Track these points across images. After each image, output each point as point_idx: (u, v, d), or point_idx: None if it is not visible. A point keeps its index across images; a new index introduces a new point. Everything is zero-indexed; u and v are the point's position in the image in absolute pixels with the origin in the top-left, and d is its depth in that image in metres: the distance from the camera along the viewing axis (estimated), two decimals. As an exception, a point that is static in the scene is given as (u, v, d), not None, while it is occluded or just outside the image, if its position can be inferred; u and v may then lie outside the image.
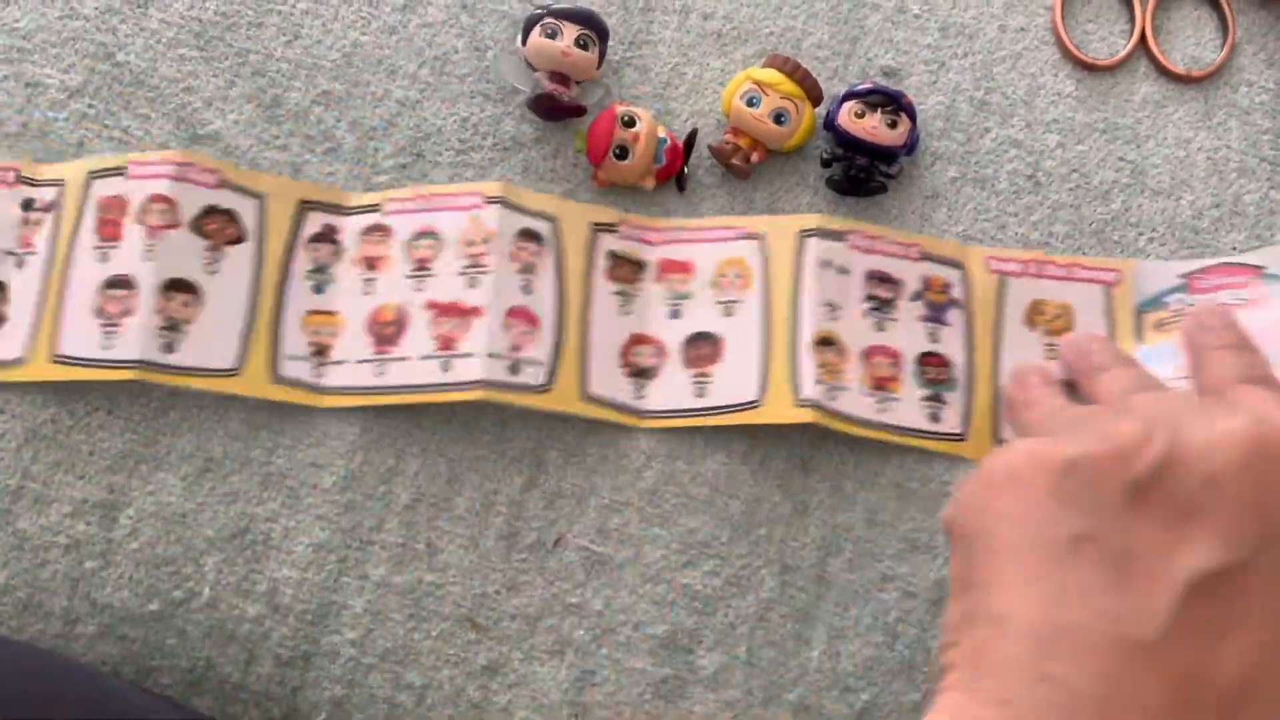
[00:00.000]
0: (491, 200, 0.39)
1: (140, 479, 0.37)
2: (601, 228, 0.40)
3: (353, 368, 0.38)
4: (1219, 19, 0.44)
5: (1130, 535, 0.23)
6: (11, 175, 0.40)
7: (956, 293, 0.41)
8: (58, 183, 0.40)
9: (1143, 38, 0.43)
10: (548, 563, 0.37)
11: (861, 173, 0.40)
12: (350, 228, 0.40)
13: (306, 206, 0.40)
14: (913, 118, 0.40)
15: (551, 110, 0.40)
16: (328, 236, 0.40)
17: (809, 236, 0.40)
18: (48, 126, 0.40)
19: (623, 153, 0.39)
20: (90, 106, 0.41)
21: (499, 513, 0.37)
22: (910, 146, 0.41)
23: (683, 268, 0.40)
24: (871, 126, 0.40)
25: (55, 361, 0.37)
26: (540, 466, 0.38)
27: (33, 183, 0.40)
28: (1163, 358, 0.38)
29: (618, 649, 0.37)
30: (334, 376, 0.38)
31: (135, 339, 0.37)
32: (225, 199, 0.39)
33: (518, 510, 0.37)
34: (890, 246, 0.41)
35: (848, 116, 0.40)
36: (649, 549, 0.37)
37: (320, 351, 0.39)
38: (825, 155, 0.41)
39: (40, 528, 0.36)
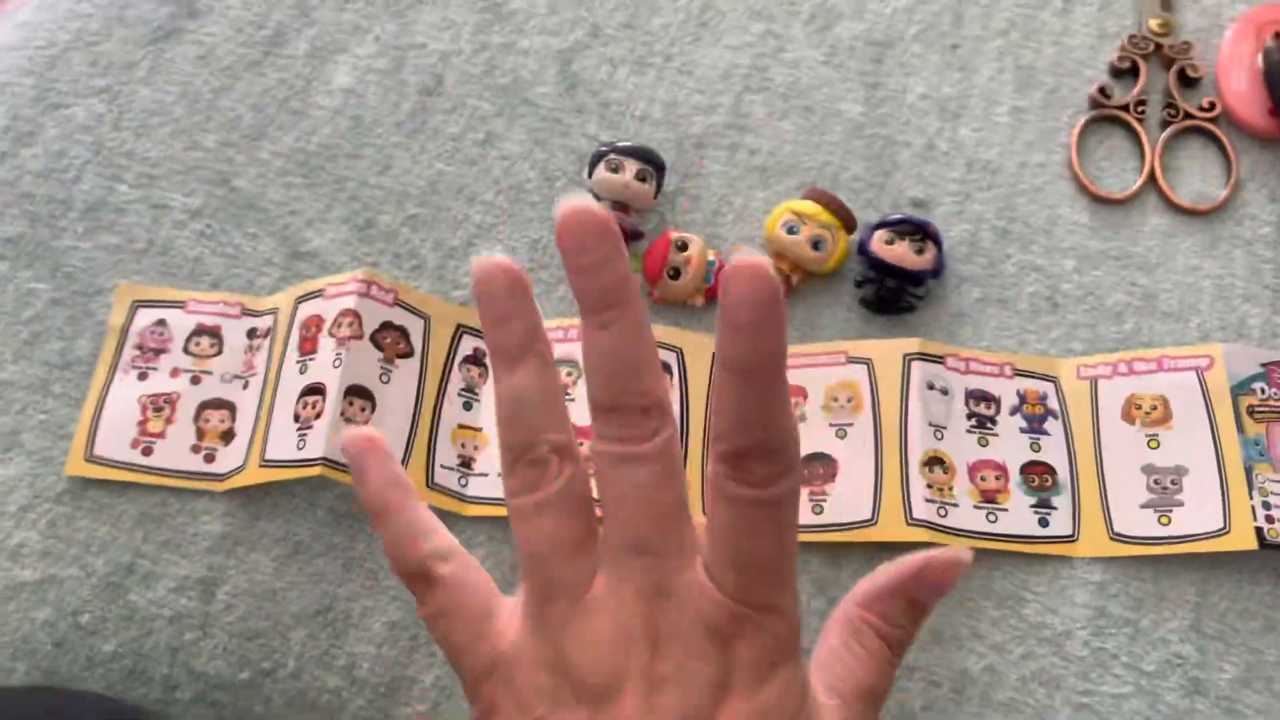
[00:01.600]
0: None
1: (236, 559, 0.41)
2: None
3: (494, 480, 0.42)
4: (1223, 158, 0.48)
5: None
6: (238, 309, 0.45)
7: (1052, 403, 0.43)
8: (273, 310, 0.45)
9: (1152, 174, 0.48)
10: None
11: (891, 294, 0.45)
12: None
13: (463, 329, 0.44)
14: (939, 244, 0.45)
15: None
16: (477, 359, 0.44)
17: (913, 360, 0.43)
18: (170, 244, 0.46)
19: (675, 274, 0.44)
20: (207, 226, 0.46)
21: (557, 598, 0.41)
22: (937, 270, 0.45)
23: (797, 392, 0.43)
24: (901, 253, 0.44)
25: (263, 465, 0.41)
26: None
27: (255, 313, 0.45)
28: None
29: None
30: (477, 487, 0.42)
31: (322, 439, 0.41)
32: (398, 316, 0.44)
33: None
34: (985, 367, 0.44)
35: (879, 243, 0.44)
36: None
37: (466, 463, 0.42)
38: (858, 278, 0.45)
39: (148, 601, 0.40)
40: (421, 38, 0.50)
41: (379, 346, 0.43)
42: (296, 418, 0.42)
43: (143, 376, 0.43)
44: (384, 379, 0.43)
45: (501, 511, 0.41)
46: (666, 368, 0.43)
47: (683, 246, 0.44)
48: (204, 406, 0.43)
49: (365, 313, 0.43)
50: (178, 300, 0.45)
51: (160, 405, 0.43)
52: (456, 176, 0.48)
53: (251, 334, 0.45)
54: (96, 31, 0.50)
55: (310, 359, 0.43)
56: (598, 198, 0.45)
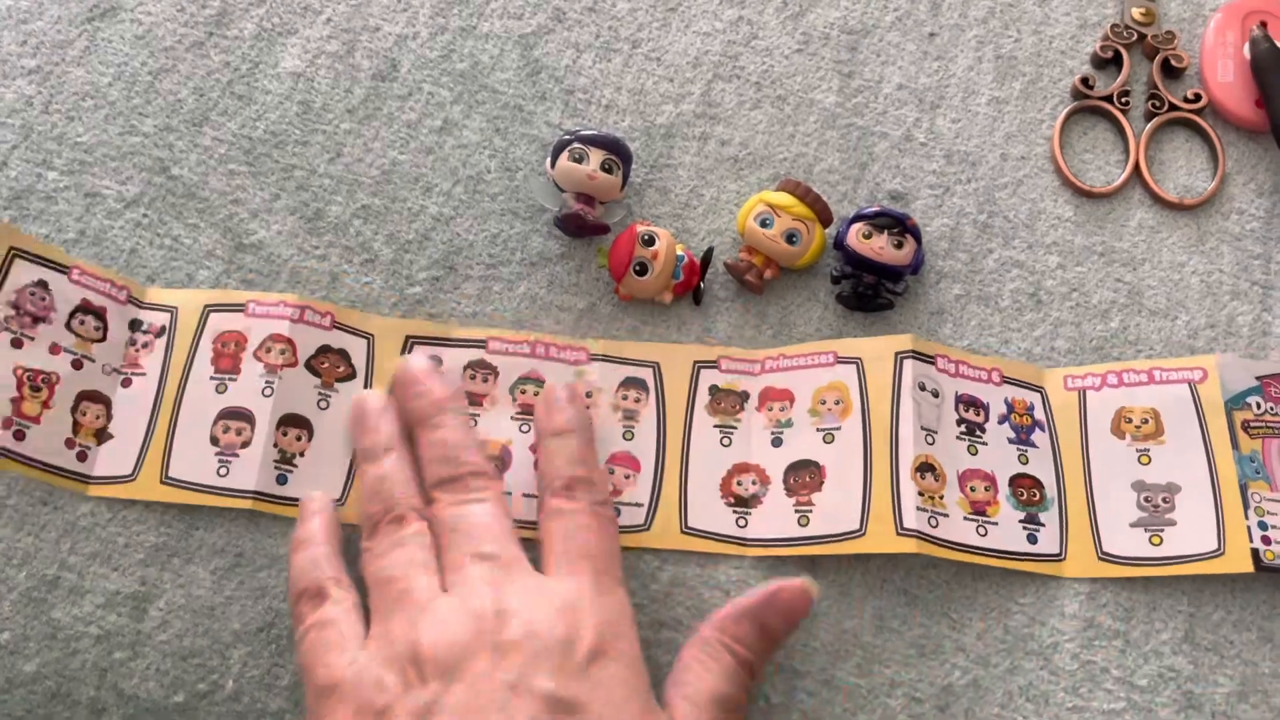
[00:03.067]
0: (595, 357, 0.41)
1: (171, 572, 0.38)
2: (703, 364, 0.42)
3: None
4: (1209, 150, 0.47)
5: None
6: (125, 295, 0.42)
7: (1039, 414, 0.41)
8: (169, 308, 0.42)
9: (1137, 167, 0.46)
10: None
11: (869, 290, 0.42)
12: (453, 359, 0.41)
13: (413, 341, 0.42)
14: (918, 239, 0.43)
15: (578, 229, 0.43)
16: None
17: (905, 358, 0.41)
18: (103, 234, 0.43)
19: (642, 269, 0.41)
20: (144, 216, 0.43)
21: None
22: (915, 266, 0.43)
23: (784, 395, 0.41)
24: (879, 247, 0.42)
25: (166, 483, 0.39)
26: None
27: (140, 304, 0.42)
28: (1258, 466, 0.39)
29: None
30: None
31: (253, 470, 0.38)
32: (337, 339, 0.41)
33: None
34: (974, 371, 0.42)
35: (856, 237, 0.42)
36: (659, 653, 0.38)
37: None
38: (835, 273, 0.43)
39: (73, 617, 0.38)
40: (376, 20, 0.48)
41: (315, 372, 0.40)
42: (215, 440, 0.39)
43: (17, 344, 0.39)
44: (322, 405, 0.40)
45: None
46: (642, 383, 0.41)
47: (649, 241, 0.42)
48: (83, 397, 0.40)
49: (299, 339, 0.40)
50: (62, 264, 0.41)
51: (38, 385, 0.39)
52: (412, 166, 0.45)
53: (135, 326, 0.41)
54: (27, 9, 0.46)
55: (230, 378, 0.40)
56: (560, 189, 0.43)
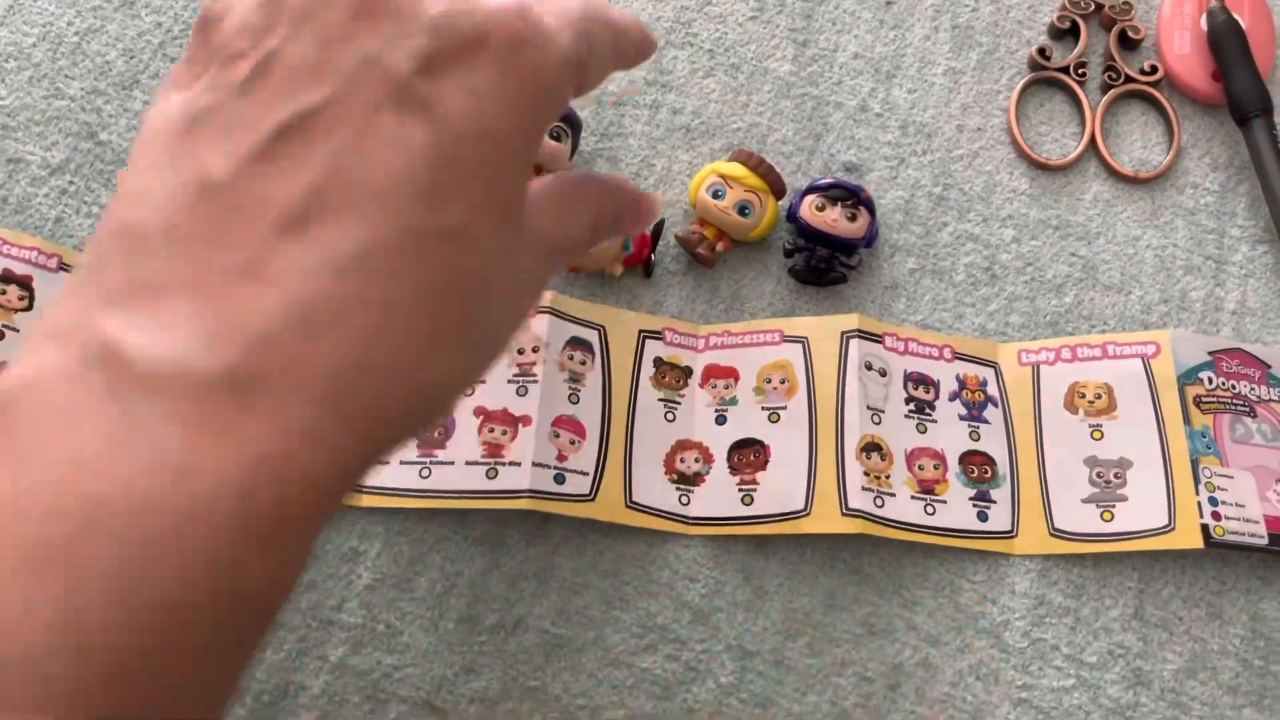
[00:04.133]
0: (542, 310, 0.40)
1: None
2: (648, 335, 0.41)
3: (396, 469, 0.38)
4: (1165, 124, 0.46)
5: (237, 114, 0.22)
6: (55, 261, 0.40)
7: (992, 390, 0.41)
8: None
9: (1093, 140, 0.45)
10: (508, 645, 0.37)
11: (822, 263, 0.42)
12: None
13: None
14: (872, 211, 0.42)
15: None
16: None
17: (851, 338, 0.40)
18: (27, 202, 0.41)
19: None
20: (70, 183, 0.41)
21: (460, 594, 0.37)
22: (870, 239, 0.42)
23: (728, 373, 0.41)
24: (832, 219, 0.41)
25: None
26: (501, 547, 0.38)
27: (71, 270, 0.40)
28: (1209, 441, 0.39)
29: (576, 733, 0.37)
30: (376, 476, 0.38)
31: None
32: None
33: (479, 592, 0.37)
34: (924, 348, 0.41)
35: (809, 209, 0.41)
36: (609, 631, 0.37)
37: None
38: (787, 246, 0.42)
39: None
40: (315, -19, 0.46)
41: None
42: None
43: None
44: None
45: (401, 502, 0.38)
46: (588, 345, 0.40)
47: None
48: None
49: None
50: None
51: None
52: (352, 133, 0.43)
53: None
54: (-56, -35, 0.44)
55: None
56: None
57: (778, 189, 0.42)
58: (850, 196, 0.41)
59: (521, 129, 0.24)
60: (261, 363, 0.20)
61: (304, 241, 0.21)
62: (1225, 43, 0.45)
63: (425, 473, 0.38)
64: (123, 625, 0.18)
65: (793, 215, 0.42)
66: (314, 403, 0.20)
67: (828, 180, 0.42)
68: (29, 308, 0.39)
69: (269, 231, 0.21)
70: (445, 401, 0.24)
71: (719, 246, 0.42)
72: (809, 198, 0.42)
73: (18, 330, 0.39)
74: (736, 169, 0.42)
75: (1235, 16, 0.46)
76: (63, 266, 0.40)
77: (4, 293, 0.39)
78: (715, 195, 0.41)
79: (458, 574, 0.38)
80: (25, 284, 0.39)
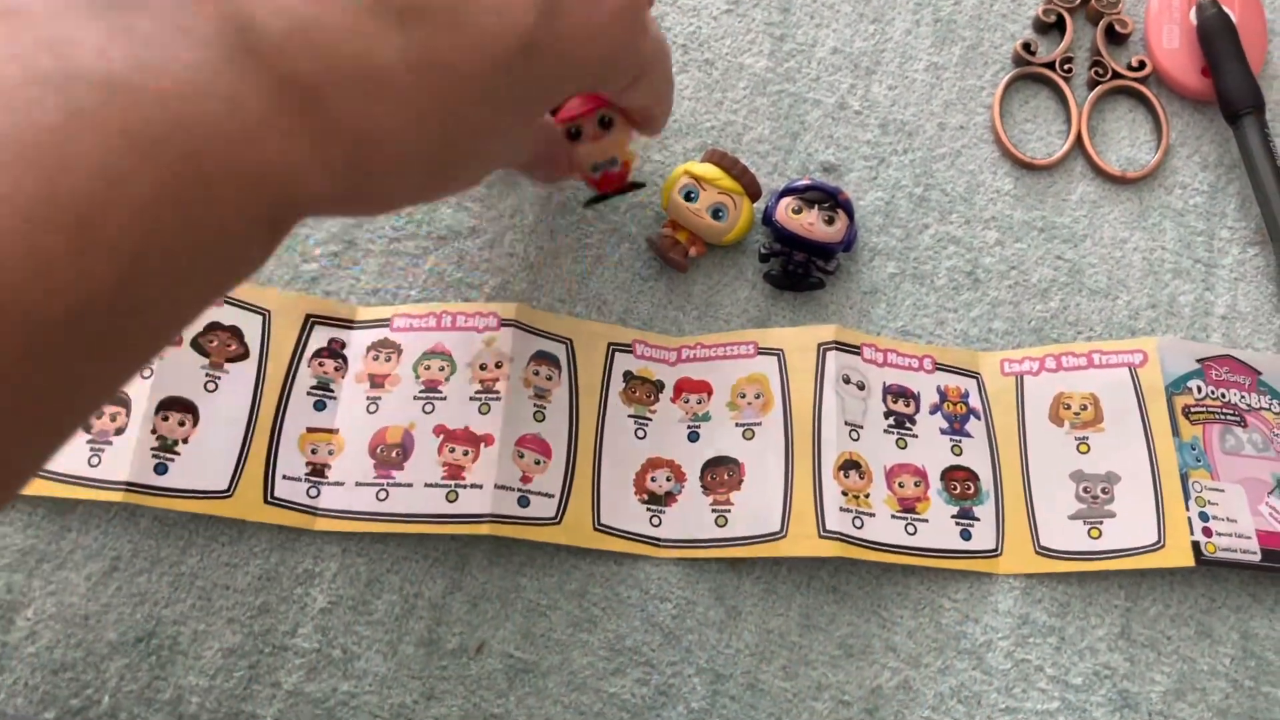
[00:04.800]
0: (506, 323, 0.38)
1: (41, 578, 0.35)
2: (618, 347, 0.39)
3: (350, 490, 0.36)
4: (1153, 121, 0.45)
5: None
6: None
7: (974, 401, 0.39)
8: None
9: (1079, 138, 0.44)
10: (469, 670, 0.35)
11: (799, 268, 0.40)
12: (357, 342, 0.39)
13: (313, 320, 0.39)
14: (850, 215, 0.40)
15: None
16: (334, 351, 0.38)
17: (828, 350, 0.39)
18: None
19: (576, 133, 0.35)
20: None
21: (419, 617, 0.36)
22: (848, 243, 0.40)
23: (701, 387, 0.39)
24: (809, 223, 0.40)
25: (38, 475, 0.35)
26: (463, 568, 0.36)
27: None
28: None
29: (542, 761, 0.35)
30: (330, 498, 0.36)
31: (126, 459, 0.35)
32: (228, 315, 0.38)
33: (439, 614, 0.36)
34: (903, 359, 0.39)
35: (785, 212, 0.40)
36: (576, 655, 0.36)
37: (317, 471, 0.37)
38: (763, 250, 0.41)
39: (-68, 629, 0.34)
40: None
41: (203, 351, 0.37)
42: (88, 427, 0.36)
43: None
44: (209, 387, 0.37)
45: (357, 526, 0.36)
46: (554, 359, 0.38)
47: (606, 123, 0.35)
48: None
49: None
50: None
51: None
52: (309, 132, 0.41)
53: None
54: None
55: None
56: None
57: (753, 191, 0.40)
58: (828, 199, 0.40)
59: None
60: None
61: None
62: (1215, 37, 0.44)
63: (382, 495, 0.36)
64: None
65: (769, 218, 0.40)
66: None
67: (805, 182, 0.40)
68: None
69: None
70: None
71: (692, 251, 0.40)
72: (785, 200, 0.40)
73: None
74: (710, 170, 0.40)
75: (1226, 10, 0.44)
76: None
77: None
78: (688, 197, 0.40)
79: (417, 596, 0.36)
80: None
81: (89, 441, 0.36)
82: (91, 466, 0.35)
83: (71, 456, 0.35)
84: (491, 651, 0.36)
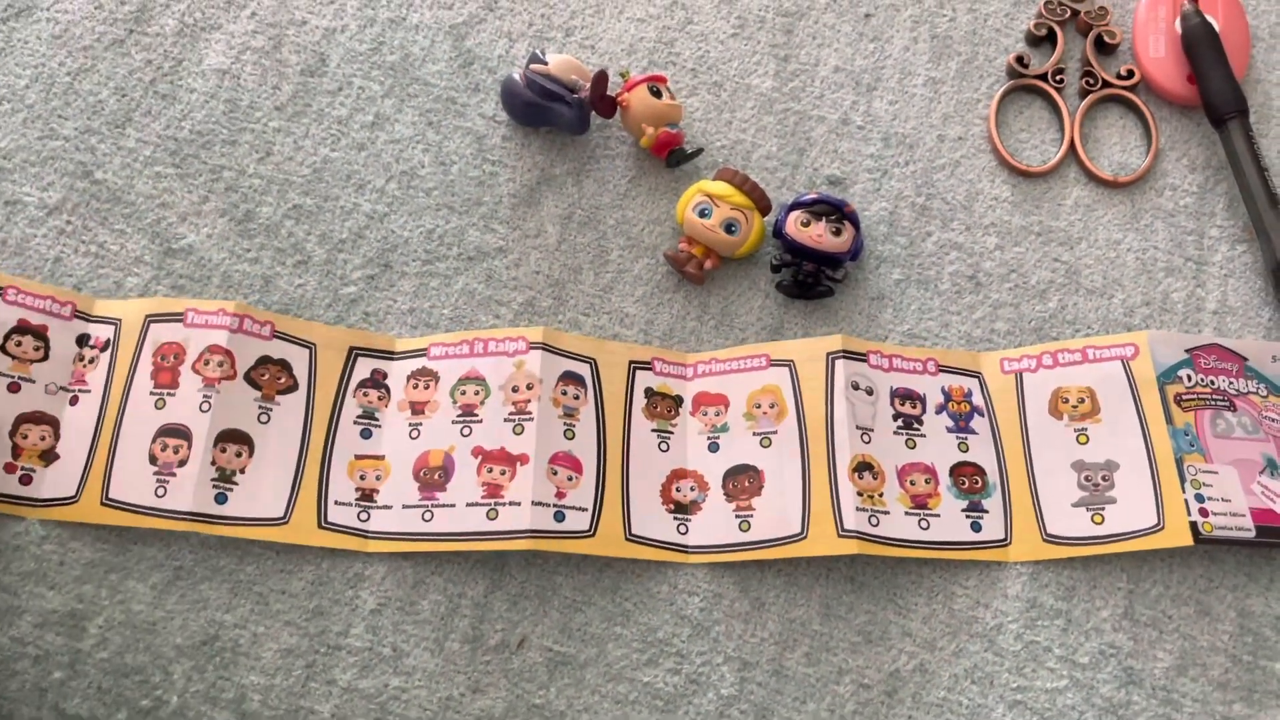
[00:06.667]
0: (534, 346, 0.41)
1: (109, 588, 0.38)
2: (638, 365, 0.41)
3: (399, 513, 0.39)
4: (1143, 127, 0.47)
5: None
6: (70, 309, 0.40)
7: (977, 400, 0.41)
8: (113, 320, 0.40)
9: (1072, 146, 0.46)
10: (512, 664, 0.38)
11: (809, 278, 0.42)
12: (397, 372, 0.41)
13: (356, 352, 0.41)
14: (856, 225, 0.43)
15: (602, 102, 0.44)
16: (377, 381, 0.41)
17: (836, 359, 0.41)
18: (25, 243, 0.42)
19: (657, 94, 0.43)
20: (68, 223, 0.42)
21: (463, 615, 0.38)
22: (855, 252, 0.43)
23: (718, 400, 0.41)
24: (817, 234, 0.42)
25: (106, 504, 0.38)
26: (503, 568, 0.39)
27: (88, 318, 0.41)
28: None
29: (582, 748, 0.38)
30: (380, 521, 0.39)
31: (188, 490, 0.37)
32: (278, 349, 0.40)
33: (482, 612, 0.38)
34: (908, 364, 0.42)
35: (794, 225, 0.42)
36: (611, 647, 0.38)
37: (366, 496, 0.39)
38: (775, 261, 0.43)
39: (9, 639, 0.37)
40: (302, 13, 0.46)
41: (255, 385, 0.40)
42: (153, 459, 0.38)
43: None
44: (263, 419, 0.39)
45: (406, 546, 0.38)
46: (580, 379, 0.41)
47: (657, 93, 0.43)
48: (23, 420, 0.39)
49: (238, 350, 0.40)
50: None
51: None
52: (344, 162, 0.44)
53: (83, 341, 0.40)
54: (-64, 10, 0.45)
55: (169, 393, 0.39)
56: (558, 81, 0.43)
57: (763, 205, 0.43)
58: (835, 211, 0.42)
59: None
60: None
61: None
62: (1199, 45, 0.46)
63: (428, 515, 0.39)
64: None
65: (779, 231, 0.43)
66: None
67: (812, 196, 0.42)
68: (45, 358, 0.40)
69: None
70: None
71: (707, 264, 0.43)
72: (794, 214, 0.42)
73: (34, 381, 0.39)
74: (722, 187, 0.42)
75: (1209, 18, 0.46)
76: (78, 314, 0.40)
77: (20, 344, 0.39)
78: (702, 214, 0.42)
79: (460, 595, 0.38)
80: (40, 334, 0.40)
81: (155, 474, 0.38)
82: (158, 498, 0.38)
83: (139, 486, 0.38)
84: (532, 645, 0.38)
